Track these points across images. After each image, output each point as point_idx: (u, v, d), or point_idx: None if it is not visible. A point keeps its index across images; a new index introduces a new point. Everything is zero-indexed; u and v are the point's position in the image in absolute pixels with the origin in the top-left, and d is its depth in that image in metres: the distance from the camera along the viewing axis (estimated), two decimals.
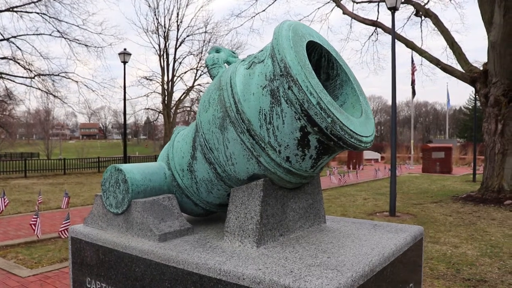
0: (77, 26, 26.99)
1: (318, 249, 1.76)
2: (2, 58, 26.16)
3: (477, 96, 15.40)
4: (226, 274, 1.54)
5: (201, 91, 36.58)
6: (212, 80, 2.16)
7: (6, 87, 28.26)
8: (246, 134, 1.75)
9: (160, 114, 37.86)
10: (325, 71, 2.03)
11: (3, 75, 26.59)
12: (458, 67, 14.36)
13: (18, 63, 26.35)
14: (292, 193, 2.00)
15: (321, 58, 2.01)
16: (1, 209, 9.60)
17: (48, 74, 27.35)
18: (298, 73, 1.57)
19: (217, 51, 2.27)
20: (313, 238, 1.94)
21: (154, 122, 43.33)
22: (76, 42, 27.04)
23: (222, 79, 1.92)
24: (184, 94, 37.10)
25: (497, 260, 6.27)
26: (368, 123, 1.86)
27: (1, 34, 25.65)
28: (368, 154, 35.88)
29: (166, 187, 2.20)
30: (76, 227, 2.29)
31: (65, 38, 26.69)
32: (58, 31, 26.35)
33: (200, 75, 36.37)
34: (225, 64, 2.25)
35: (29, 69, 26.71)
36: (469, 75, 13.41)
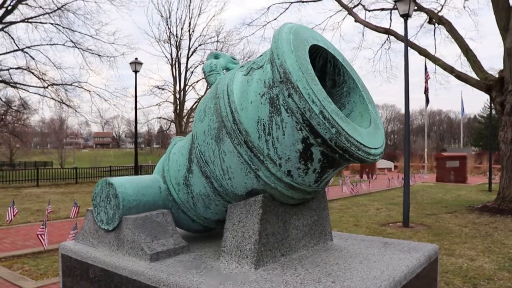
0: (90, 36, 27.25)
1: (322, 271, 1.60)
2: (17, 68, 26.49)
3: (492, 104, 15.09)
4: None
5: None
6: (210, 88, 2.03)
7: (20, 96, 28.61)
8: (243, 146, 1.61)
9: (172, 123, 37.94)
10: (331, 77, 1.89)
11: (18, 85, 26.93)
12: (472, 74, 14.07)
13: (32, 73, 26.66)
14: (295, 209, 1.85)
15: (327, 64, 1.87)
16: (10, 218, 9.57)
17: (61, 84, 27.61)
18: (299, 79, 1.43)
19: (216, 57, 2.14)
20: (318, 258, 1.79)
21: (167, 131, 43.44)
22: (89, 52, 27.28)
23: (219, 86, 1.79)
24: (196, 103, 37.14)
25: None
26: (377, 134, 1.71)
27: (16, 45, 26.01)
28: (381, 163, 35.44)
29: (161, 202, 2.06)
30: (67, 243, 2.17)
31: (78, 48, 26.96)
32: (72, 41, 26.63)
33: None
34: (224, 70, 2.11)
35: (42, 79, 27.00)
36: (485, 82, 13.12)
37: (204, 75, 2.07)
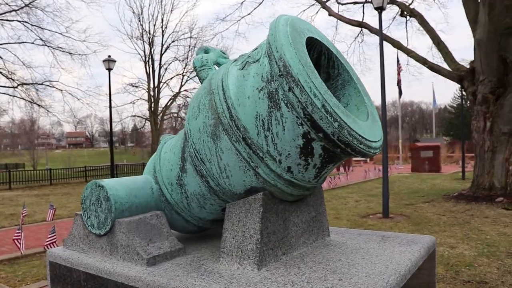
0: (60, 33, 26.55)
1: (327, 269, 1.57)
2: None
3: (464, 94, 15.43)
4: None
5: (187, 96, 36.28)
6: (201, 83, 1.96)
7: None
8: (241, 143, 1.56)
9: (147, 121, 37.45)
10: (325, 70, 1.85)
11: None
12: (444, 65, 14.37)
13: (0, 73, 25.80)
14: (294, 206, 1.81)
15: (321, 56, 1.83)
16: None
17: (31, 83, 26.83)
18: (299, 72, 1.39)
19: (206, 51, 2.07)
20: (319, 255, 1.75)
21: (141, 129, 42.86)
22: (60, 50, 26.58)
23: (213, 81, 1.72)
24: (171, 100, 36.75)
25: (495, 260, 6.15)
26: (375, 127, 1.68)
27: None
28: None
29: (153, 203, 1.99)
30: (55, 250, 2.07)
31: (48, 46, 26.23)
32: (41, 39, 25.88)
33: (187, 80, 36.10)
34: (215, 65, 2.04)
35: (11, 78, 26.16)
36: (457, 73, 13.41)
37: (195, 70, 2.00)
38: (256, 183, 1.62)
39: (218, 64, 2.06)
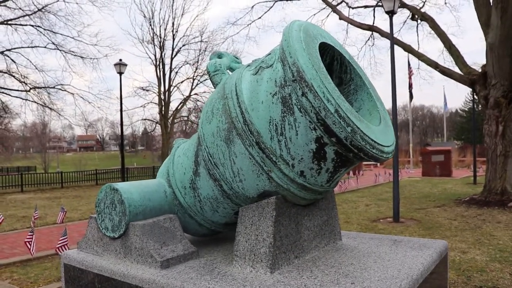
0: (72, 38, 26.83)
1: (339, 272, 1.58)
2: None
3: (476, 98, 15.31)
4: None
5: (198, 100, 36.41)
6: (215, 88, 1.98)
7: (1, 100, 28.04)
8: (255, 147, 1.58)
9: (157, 125, 37.64)
10: (337, 75, 1.86)
11: None
12: (456, 69, 14.27)
13: (13, 76, 26.14)
14: (306, 210, 1.82)
15: (333, 62, 1.84)
16: None
17: (43, 87, 27.14)
18: (313, 77, 1.40)
19: (219, 56, 2.09)
20: (331, 259, 1.76)
21: (151, 132, 43.10)
22: (72, 54, 26.85)
23: (226, 86, 1.74)
24: (181, 104, 36.90)
25: (508, 266, 6.08)
26: (388, 131, 1.69)
27: None
28: None
29: (167, 207, 2.01)
30: (69, 252, 2.10)
31: (60, 50, 26.52)
32: (53, 43, 26.18)
33: (197, 84, 36.21)
34: (228, 70, 2.06)
35: (24, 82, 26.49)
36: (468, 77, 13.30)
37: (209, 75, 2.02)
38: (269, 187, 1.63)
39: (231, 69, 2.08)
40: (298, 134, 1.50)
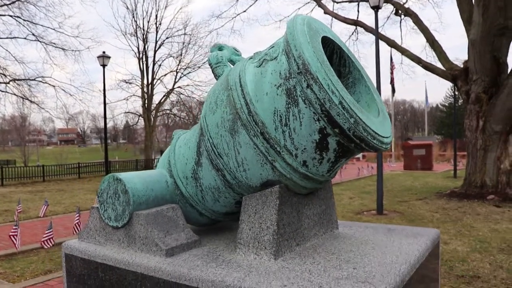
0: (53, 29, 26.50)
1: (340, 258, 1.64)
2: None
3: (457, 93, 15.61)
4: None
5: (181, 93, 36.21)
6: (216, 79, 2.01)
7: None
8: (259, 138, 1.62)
9: (140, 118, 37.33)
10: (336, 68, 1.91)
11: None
12: (438, 65, 14.52)
13: None
14: (307, 199, 1.88)
15: (333, 55, 1.89)
16: None
17: (23, 79, 26.65)
18: (318, 70, 1.45)
19: (220, 48, 2.12)
20: (331, 246, 1.82)
21: (134, 126, 42.72)
22: (53, 46, 26.40)
23: (230, 78, 1.78)
24: (164, 97, 36.67)
25: (487, 255, 6.29)
26: (386, 123, 1.75)
27: None
28: None
29: (168, 196, 2.04)
30: (70, 242, 2.11)
31: (40, 42, 26.04)
32: (33, 34, 25.69)
33: (180, 77, 36.07)
34: (228, 62, 2.10)
35: (3, 74, 25.95)
36: (450, 72, 13.56)
37: (211, 67, 2.05)
38: (273, 177, 1.68)
39: (231, 61, 2.11)
40: (302, 125, 1.55)
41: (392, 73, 27.21)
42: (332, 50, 1.88)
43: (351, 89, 1.90)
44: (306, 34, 1.54)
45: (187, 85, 37.02)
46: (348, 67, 1.90)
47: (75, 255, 2.03)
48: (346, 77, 1.91)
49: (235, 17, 20.59)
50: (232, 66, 2.07)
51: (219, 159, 1.80)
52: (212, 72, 2.05)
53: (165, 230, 1.86)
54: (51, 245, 7.01)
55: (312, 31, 1.62)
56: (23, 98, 26.91)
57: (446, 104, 61.97)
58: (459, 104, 21.85)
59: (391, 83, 27.80)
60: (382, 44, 15.52)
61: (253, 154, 1.66)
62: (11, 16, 24.78)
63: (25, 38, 25.82)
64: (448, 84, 15.98)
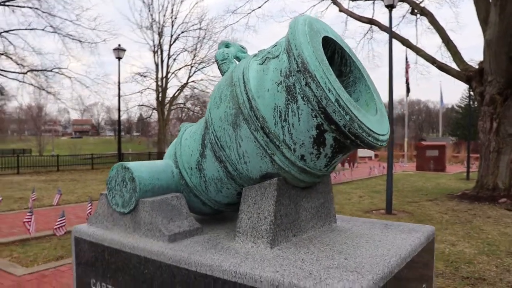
0: (71, 21, 26.83)
1: (334, 250, 1.71)
2: None
3: (472, 94, 15.46)
4: (242, 277, 1.49)
5: (195, 88, 36.45)
6: (222, 75, 2.10)
7: None
8: (260, 132, 1.70)
9: (154, 111, 37.67)
10: (338, 67, 1.98)
11: None
12: (453, 65, 14.41)
13: (10, 58, 26.06)
14: (305, 192, 1.95)
15: (334, 54, 1.96)
16: None
17: (41, 70, 27.09)
18: (316, 69, 1.52)
19: (227, 46, 2.21)
20: (326, 238, 1.90)
21: (148, 118, 43.11)
22: (70, 38, 26.79)
23: (234, 74, 1.86)
24: (178, 91, 36.94)
25: (495, 258, 6.28)
26: (383, 121, 1.82)
27: None
28: (362, 152, 35.95)
29: (173, 186, 2.14)
30: (80, 226, 2.22)
31: (58, 33, 26.45)
32: (51, 26, 26.08)
33: (195, 71, 36.25)
34: (234, 59, 2.18)
35: (21, 65, 26.43)
36: (465, 73, 13.44)
37: (217, 63, 2.14)
38: (272, 169, 1.76)
39: (238, 58, 2.19)
40: (301, 121, 1.63)
41: (407, 72, 27.04)
42: (334, 49, 1.94)
43: (352, 87, 1.97)
44: (306, 34, 1.61)
45: (201, 80, 37.21)
46: (349, 66, 1.96)
47: (84, 238, 2.14)
48: (347, 76, 1.98)
49: (250, 13, 20.66)
50: (237, 63, 2.15)
51: (222, 151, 1.88)
52: (218, 68, 2.14)
53: (168, 217, 1.95)
54: (63, 232, 7.20)
55: (313, 31, 1.68)
56: (39, 88, 27.36)
57: (462, 105, 61.25)
58: (475, 105, 21.59)
59: (406, 82, 27.64)
60: (397, 43, 15.46)
61: (254, 147, 1.74)
62: (30, 7, 25.18)
63: (43, 30, 26.24)
64: (465, 85, 15.87)
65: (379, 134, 1.67)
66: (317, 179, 1.88)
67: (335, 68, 1.99)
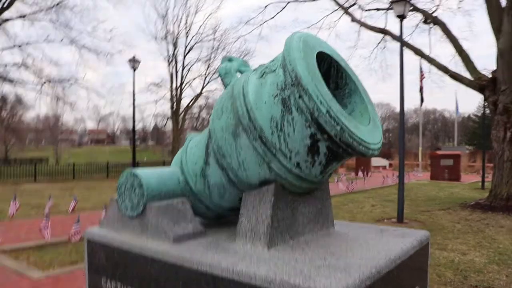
0: (87, 33, 27.38)
1: (327, 251, 1.82)
2: (13, 65, 26.55)
3: (486, 104, 15.39)
4: (238, 274, 1.61)
5: (209, 97, 36.82)
6: (225, 88, 2.24)
7: (16, 93, 28.65)
8: (258, 141, 1.82)
9: (168, 120, 38.10)
10: (334, 80, 2.10)
11: (15, 81, 26.98)
12: (467, 74, 14.36)
13: (29, 70, 26.72)
14: (302, 198, 2.07)
15: (331, 68, 2.08)
16: (13, 212, 9.75)
17: (58, 81, 27.70)
18: (308, 83, 1.64)
19: (230, 60, 2.35)
20: (322, 241, 2.01)
21: (162, 128, 43.61)
22: (86, 49, 27.37)
23: (235, 88, 2.00)
24: (193, 101, 37.36)
25: (505, 268, 6.26)
26: (376, 131, 1.93)
27: (13, 41, 26.07)
28: (376, 161, 35.79)
29: (179, 191, 2.28)
30: (92, 229, 2.37)
31: (75, 45, 27.03)
32: (68, 38, 26.69)
33: (208, 81, 36.66)
34: (237, 73, 2.32)
35: (39, 76, 27.07)
36: (478, 82, 13.40)
37: (220, 77, 2.29)
38: (269, 176, 1.88)
39: (240, 72, 2.33)
40: (295, 131, 1.75)
41: (421, 81, 26.93)
42: (330, 64, 2.07)
43: (347, 99, 2.08)
44: (301, 51, 1.74)
45: (215, 89, 37.61)
46: (344, 79, 2.08)
47: (96, 240, 2.29)
48: (343, 88, 2.10)
49: (262, 24, 20.89)
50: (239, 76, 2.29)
51: (223, 159, 2.01)
52: (221, 81, 2.28)
53: (174, 221, 2.09)
54: (78, 239, 7.40)
55: (308, 47, 1.81)
56: (57, 98, 27.95)
57: (479, 115, 60.52)
58: (490, 114, 21.46)
59: (419, 91, 27.52)
60: (411, 52, 15.49)
61: (252, 156, 1.87)
62: (48, 21, 25.83)
63: (60, 42, 26.85)
64: (481, 94, 15.70)
65: (369, 143, 1.78)
66: (313, 185, 2.00)
67: (332, 80, 2.11)
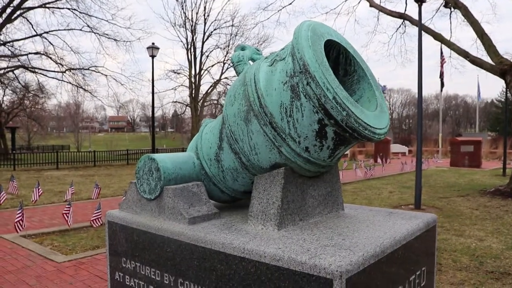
0: (106, 21, 27.69)
1: (334, 232, 1.90)
2: (35, 53, 27.06)
3: (507, 89, 15.07)
4: (249, 253, 1.70)
5: (228, 84, 36.85)
6: (237, 76, 2.31)
7: (38, 81, 29.21)
8: (268, 126, 1.90)
9: (187, 107, 38.36)
10: (343, 67, 2.16)
11: (36, 70, 27.52)
12: (488, 59, 14.07)
13: (50, 58, 27.22)
14: (312, 181, 2.15)
15: (340, 55, 2.14)
16: (36, 198, 10.07)
17: (78, 68, 28.15)
18: (315, 70, 1.71)
19: (242, 48, 2.42)
20: (331, 223, 2.09)
21: (182, 115, 43.95)
22: (106, 37, 27.68)
23: (247, 75, 2.08)
24: (211, 87, 37.47)
25: None
26: (382, 116, 1.98)
27: (35, 30, 26.54)
28: (395, 148, 35.48)
29: (195, 175, 2.38)
30: (112, 212, 2.50)
31: (94, 33, 27.35)
32: (88, 26, 27.02)
33: (227, 68, 36.64)
34: (250, 61, 2.40)
35: (60, 64, 27.54)
36: (499, 67, 13.12)
37: (233, 65, 2.36)
38: (279, 160, 1.97)
39: (253, 60, 2.41)
40: (304, 116, 1.82)
41: (442, 66, 26.45)
42: (339, 51, 2.12)
43: (356, 85, 2.14)
44: (309, 39, 1.80)
45: (234, 76, 37.51)
46: (353, 66, 2.14)
47: (116, 222, 2.42)
48: (352, 75, 2.15)
49: (280, 9, 20.72)
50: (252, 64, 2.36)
51: (236, 144, 2.10)
52: (234, 69, 2.36)
53: (189, 203, 2.19)
54: (99, 224, 7.63)
55: (316, 36, 1.87)
56: (77, 86, 28.41)
57: (502, 100, 59.20)
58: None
59: (440, 77, 27.04)
60: (431, 37, 15.23)
61: (263, 140, 1.95)
62: (68, 9, 26.18)
63: (80, 30, 27.20)
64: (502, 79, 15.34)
65: (375, 128, 1.84)
66: (322, 169, 2.07)
67: (341, 67, 2.17)
